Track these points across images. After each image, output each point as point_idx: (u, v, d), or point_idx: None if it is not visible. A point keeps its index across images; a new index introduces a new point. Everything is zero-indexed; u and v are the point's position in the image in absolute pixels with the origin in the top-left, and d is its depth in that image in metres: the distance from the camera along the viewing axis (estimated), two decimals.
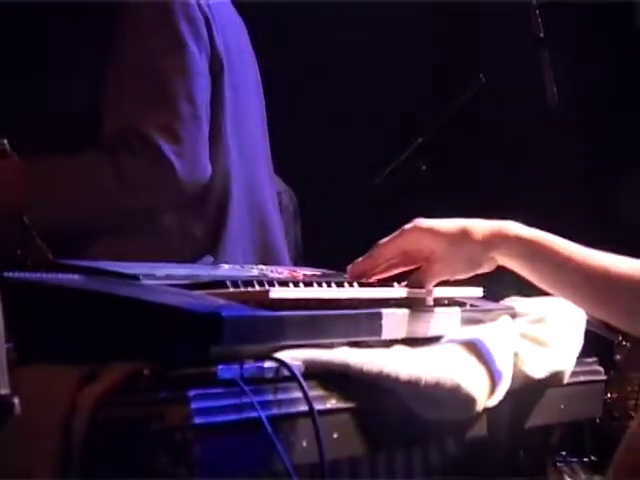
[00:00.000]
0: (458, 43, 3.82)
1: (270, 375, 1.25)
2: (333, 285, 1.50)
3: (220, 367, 1.20)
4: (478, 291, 1.68)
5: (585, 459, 2.40)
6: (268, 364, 1.25)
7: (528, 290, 1.65)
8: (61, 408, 1.19)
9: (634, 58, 3.57)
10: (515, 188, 3.64)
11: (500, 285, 1.74)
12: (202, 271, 1.62)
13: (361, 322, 1.43)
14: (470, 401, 1.46)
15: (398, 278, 1.63)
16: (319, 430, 1.25)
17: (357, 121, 4.02)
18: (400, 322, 1.49)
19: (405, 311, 1.51)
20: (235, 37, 2.48)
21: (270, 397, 1.24)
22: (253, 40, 2.62)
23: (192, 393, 1.15)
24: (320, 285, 1.48)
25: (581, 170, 3.74)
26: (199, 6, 2.33)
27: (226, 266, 1.77)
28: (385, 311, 1.46)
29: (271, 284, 1.41)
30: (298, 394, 1.26)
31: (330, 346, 1.36)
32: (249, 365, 1.23)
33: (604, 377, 1.86)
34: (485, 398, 1.49)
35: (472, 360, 1.49)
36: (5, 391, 1.09)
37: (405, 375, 1.38)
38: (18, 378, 1.12)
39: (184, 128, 2.23)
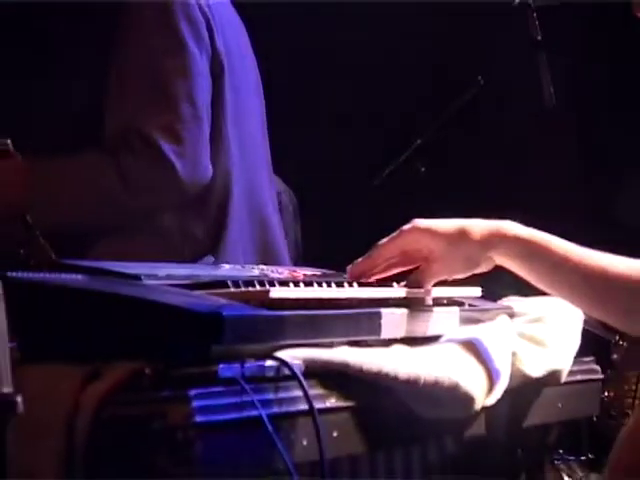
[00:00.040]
0: (458, 43, 3.82)
1: (271, 374, 1.26)
2: (333, 285, 1.50)
3: (221, 366, 1.20)
4: (477, 291, 1.69)
5: (582, 457, 2.40)
6: (269, 363, 1.26)
7: (526, 290, 1.66)
8: (64, 407, 1.20)
9: (633, 58, 3.57)
10: (514, 188, 3.63)
11: (498, 285, 1.75)
12: (203, 271, 1.62)
13: (361, 322, 1.44)
14: (468, 400, 1.46)
15: (397, 278, 1.63)
16: (319, 428, 1.25)
17: (357, 121, 4.00)
18: (399, 322, 1.50)
19: (404, 311, 1.51)
20: (235, 38, 2.48)
21: (271, 396, 1.25)
22: (253, 40, 2.62)
23: (194, 392, 1.16)
24: (320, 285, 1.48)
25: (580, 170, 3.74)
26: (200, 7, 2.34)
27: (227, 266, 1.78)
28: (384, 311, 1.47)
29: (271, 284, 1.42)
30: (298, 393, 1.26)
31: (330, 345, 1.37)
32: (250, 364, 1.24)
33: (601, 376, 1.86)
34: (483, 397, 1.50)
35: (470, 359, 1.50)
36: (8, 390, 1.09)
37: (404, 374, 1.39)
38: (21, 377, 1.12)
39: (185, 129, 2.24)
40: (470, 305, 1.69)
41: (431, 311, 1.58)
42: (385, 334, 1.47)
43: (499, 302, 1.77)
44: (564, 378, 1.71)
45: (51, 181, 2.24)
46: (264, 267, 1.71)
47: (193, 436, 1.14)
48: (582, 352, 1.76)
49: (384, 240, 1.60)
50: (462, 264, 1.59)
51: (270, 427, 1.21)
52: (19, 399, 1.09)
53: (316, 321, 1.36)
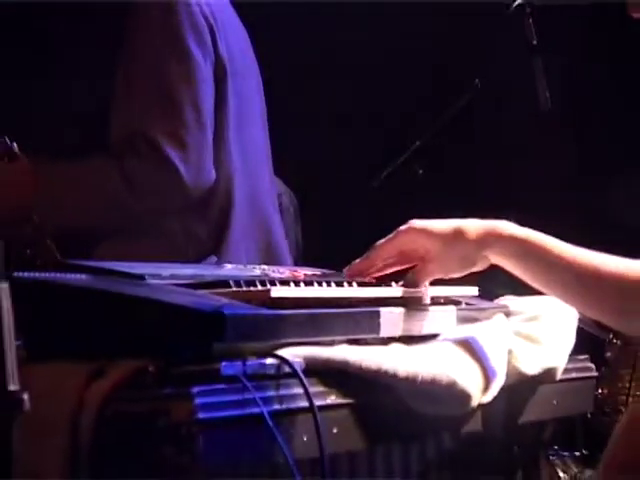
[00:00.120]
0: (458, 43, 3.80)
1: (272, 372, 1.27)
2: (333, 284, 1.51)
3: (223, 364, 1.22)
4: (473, 290, 1.70)
5: (577, 453, 2.40)
6: (270, 361, 1.28)
7: (521, 289, 1.66)
8: (69, 404, 1.21)
9: (631, 58, 3.57)
10: (512, 190, 3.62)
11: (493, 284, 1.76)
12: (206, 271, 1.63)
13: (360, 320, 1.45)
14: (465, 397, 1.48)
15: (396, 278, 1.65)
16: (319, 425, 1.27)
17: (357, 121, 3.99)
18: (398, 320, 1.51)
19: (403, 310, 1.53)
20: (237, 41, 2.49)
21: (272, 393, 1.26)
22: (253, 40, 2.61)
23: (196, 389, 1.17)
24: (320, 284, 1.50)
25: (576, 171, 3.74)
26: (202, 13, 2.35)
27: (229, 266, 1.79)
28: (383, 310, 1.49)
29: (272, 283, 1.43)
30: (299, 390, 1.28)
31: (330, 344, 1.38)
32: (251, 362, 1.25)
33: (595, 374, 1.87)
34: (479, 394, 1.51)
35: (467, 357, 1.51)
36: (15, 388, 1.09)
37: (403, 372, 1.41)
38: (27, 375, 1.12)
39: (189, 135, 2.26)
40: (467, 304, 1.70)
41: (429, 310, 1.59)
42: (384, 332, 1.48)
43: (495, 301, 1.78)
44: (559, 376, 1.72)
45: (57, 184, 2.25)
46: (265, 267, 1.72)
47: (196, 432, 1.16)
48: (577, 350, 1.77)
49: (381, 241, 1.61)
50: (458, 263, 1.60)
51: (271, 424, 1.22)
52: (25, 397, 1.10)
53: (316, 320, 1.37)
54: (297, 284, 1.47)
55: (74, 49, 2.51)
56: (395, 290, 1.59)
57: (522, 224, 1.61)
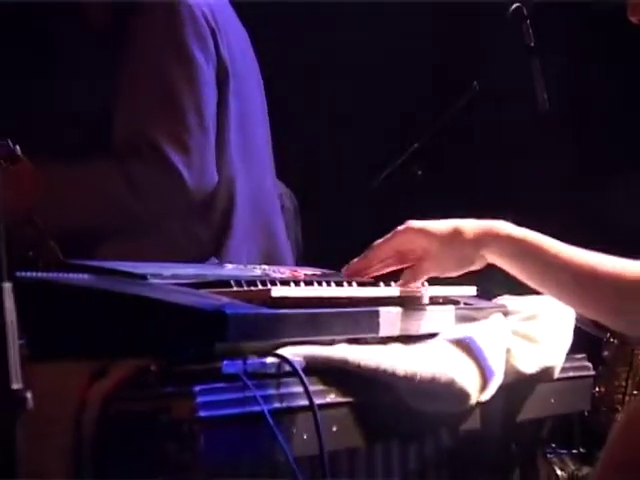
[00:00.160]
0: (458, 44, 3.80)
1: (272, 370, 1.28)
2: (332, 284, 1.52)
3: (224, 363, 1.23)
4: (472, 290, 1.71)
5: (574, 451, 2.41)
6: (270, 360, 1.29)
7: (518, 288, 1.67)
8: (72, 403, 1.22)
9: (630, 59, 3.57)
10: (510, 190, 3.62)
11: (490, 283, 1.76)
12: (207, 271, 1.64)
13: (359, 320, 1.46)
14: (464, 395, 1.50)
15: (393, 278, 1.65)
16: (319, 423, 1.28)
17: (357, 121, 3.99)
18: (397, 320, 1.52)
19: (402, 309, 1.54)
20: (238, 43, 2.49)
21: (272, 391, 1.27)
22: (253, 40, 2.60)
23: (198, 388, 1.18)
24: (320, 284, 1.50)
25: (577, 172, 3.74)
26: (205, 16, 2.35)
27: (230, 266, 1.80)
28: (382, 309, 1.50)
29: (273, 283, 1.44)
30: (299, 389, 1.29)
31: (330, 343, 1.39)
32: (252, 361, 1.26)
33: (593, 372, 1.89)
34: (477, 393, 1.53)
35: (466, 356, 1.53)
36: (18, 386, 1.10)
37: (402, 370, 1.42)
38: (30, 374, 1.13)
39: (192, 138, 2.27)
40: (465, 304, 1.71)
41: (428, 310, 1.60)
42: (383, 332, 1.49)
43: (494, 301, 1.79)
44: (557, 374, 1.73)
45: (60, 186, 2.26)
46: (266, 267, 1.72)
47: (197, 430, 1.17)
48: (574, 349, 1.78)
49: (379, 241, 1.62)
50: (455, 263, 1.61)
51: (271, 422, 1.23)
52: (28, 395, 1.10)
53: (316, 319, 1.38)
54: (297, 284, 1.48)
55: (74, 49, 2.51)
56: (394, 290, 1.60)
57: (520, 224, 1.62)
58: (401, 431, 1.50)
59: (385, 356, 1.42)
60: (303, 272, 1.66)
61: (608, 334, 2.51)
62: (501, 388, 1.59)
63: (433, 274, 1.62)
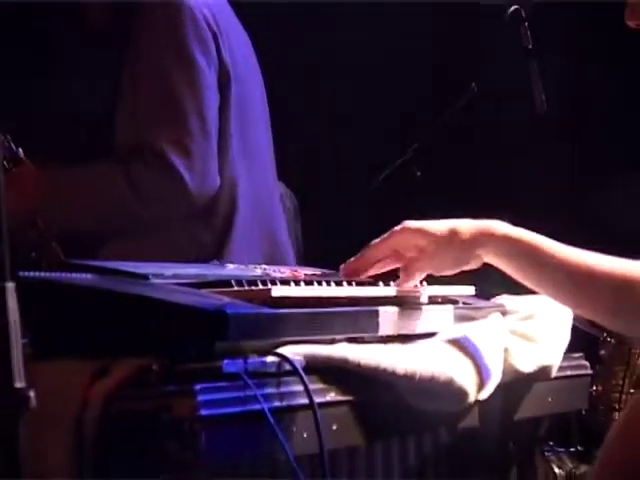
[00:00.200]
0: (458, 44, 3.80)
1: (273, 369, 1.29)
2: (332, 284, 1.53)
3: (225, 362, 1.23)
4: (470, 289, 1.72)
5: (572, 449, 2.42)
6: (271, 359, 1.29)
7: (515, 288, 1.67)
8: (74, 402, 1.23)
9: (629, 59, 3.57)
10: (509, 191, 3.62)
11: (487, 283, 1.77)
12: (208, 271, 1.65)
13: (359, 319, 1.47)
14: (462, 394, 1.50)
15: (390, 277, 1.65)
16: (319, 422, 1.29)
17: (357, 121, 3.99)
18: (396, 319, 1.53)
19: (401, 309, 1.55)
20: (239, 46, 2.49)
21: (273, 390, 1.28)
22: (253, 41, 2.61)
23: (199, 386, 1.19)
24: (320, 284, 1.51)
25: (577, 172, 3.74)
26: (206, 20, 2.36)
27: (231, 266, 1.80)
28: (382, 309, 1.51)
29: (273, 283, 1.45)
30: (299, 387, 1.30)
31: (330, 342, 1.40)
32: (253, 360, 1.27)
33: (590, 371, 1.90)
34: (476, 391, 1.53)
35: (464, 356, 1.53)
36: (21, 385, 1.11)
37: (401, 369, 1.43)
38: (33, 373, 1.13)
39: (194, 143, 2.28)
40: (464, 303, 1.71)
41: (426, 309, 1.61)
42: (383, 331, 1.50)
43: (492, 300, 1.80)
44: (554, 373, 1.74)
45: (63, 189, 2.27)
46: (266, 267, 1.73)
47: (199, 429, 1.18)
48: (571, 348, 1.78)
49: (376, 240, 1.62)
50: (451, 262, 1.61)
51: (272, 420, 1.24)
52: (31, 394, 1.11)
53: (316, 319, 1.39)
54: (297, 283, 1.48)
55: (74, 49, 2.52)
56: (394, 290, 1.61)
57: (520, 224, 1.62)
58: (401, 429, 1.51)
59: (385, 355, 1.43)
60: (303, 272, 1.67)
61: (605, 333, 2.51)
62: (499, 387, 1.59)
63: (427, 272, 1.62)
